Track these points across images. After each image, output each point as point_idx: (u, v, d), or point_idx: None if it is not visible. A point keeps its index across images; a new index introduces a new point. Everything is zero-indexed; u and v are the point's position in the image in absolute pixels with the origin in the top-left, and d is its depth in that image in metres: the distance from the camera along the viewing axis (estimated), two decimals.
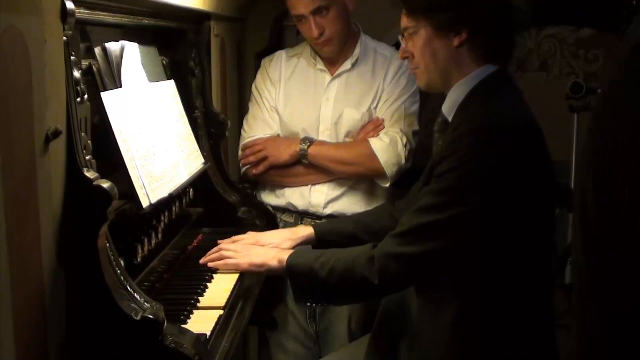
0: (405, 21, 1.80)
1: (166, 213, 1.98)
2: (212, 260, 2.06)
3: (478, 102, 1.74)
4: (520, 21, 1.76)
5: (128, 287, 1.49)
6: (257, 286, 2.12)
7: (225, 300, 1.87)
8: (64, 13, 1.38)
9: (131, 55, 1.96)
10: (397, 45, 2.80)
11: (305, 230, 2.19)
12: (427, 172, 1.77)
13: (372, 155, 2.52)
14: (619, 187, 1.03)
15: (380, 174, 2.54)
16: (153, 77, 2.11)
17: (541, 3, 1.77)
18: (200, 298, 1.87)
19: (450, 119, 1.80)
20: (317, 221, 2.62)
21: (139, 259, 1.75)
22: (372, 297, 2.00)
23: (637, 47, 1.09)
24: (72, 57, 1.45)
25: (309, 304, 1.90)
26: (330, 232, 2.17)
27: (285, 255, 1.91)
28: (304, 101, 2.64)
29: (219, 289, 1.95)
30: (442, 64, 1.77)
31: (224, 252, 2.06)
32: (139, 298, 1.48)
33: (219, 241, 2.15)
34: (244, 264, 2.00)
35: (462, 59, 1.76)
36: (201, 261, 2.07)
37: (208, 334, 1.64)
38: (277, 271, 1.95)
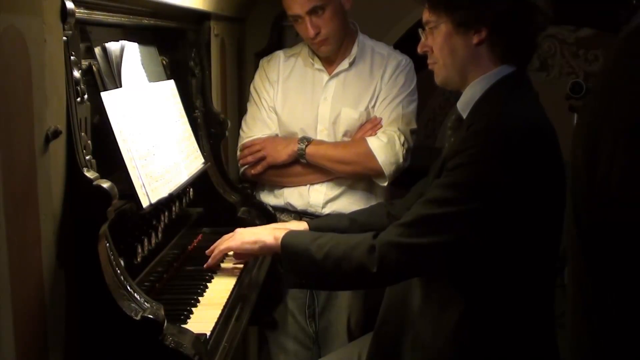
0: (427, 15, 1.80)
1: (166, 213, 1.98)
2: (211, 258, 2.05)
3: (494, 101, 1.74)
4: (541, 24, 1.76)
5: (128, 287, 1.48)
6: (257, 286, 2.12)
7: (225, 300, 1.87)
8: (64, 13, 1.38)
9: (131, 55, 1.96)
10: (396, 45, 2.81)
11: (299, 226, 2.16)
12: (439, 165, 1.77)
13: (370, 155, 2.52)
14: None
15: (379, 173, 2.54)
16: (153, 77, 2.11)
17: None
18: (200, 298, 1.87)
19: (465, 117, 1.80)
20: None
21: (139, 259, 1.76)
22: (367, 286, 1.98)
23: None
24: (72, 57, 1.45)
25: (300, 285, 1.87)
26: (325, 229, 2.16)
27: (281, 233, 1.89)
28: (302, 101, 2.64)
29: (219, 289, 1.95)
30: (460, 61, 1.77)
31: (217, 243, 2.05)
32: (139, 298, 1.48)
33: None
34: (236, 243, 1.98)
35: (480, 57, 1.76)
36: (205, 266, 2.07)
37: (208, 334, 1.64)
38: (271, 248, 1.92)
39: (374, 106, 2.62)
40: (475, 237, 1.66)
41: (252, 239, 1.97)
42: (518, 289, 1.74)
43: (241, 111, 2.92)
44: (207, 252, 2.06)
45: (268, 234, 1.94)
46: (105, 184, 1.42)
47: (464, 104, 1.81)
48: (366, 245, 1.74)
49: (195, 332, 1.54)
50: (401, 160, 2.54)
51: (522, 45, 1.77)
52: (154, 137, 1.92)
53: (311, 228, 2.15)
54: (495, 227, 1.66)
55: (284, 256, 1.86)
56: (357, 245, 1.76)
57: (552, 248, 1.78)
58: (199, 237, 2.35)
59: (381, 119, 2.59)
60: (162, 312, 1.46)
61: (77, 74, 1.48)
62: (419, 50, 1.87)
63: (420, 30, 1.85)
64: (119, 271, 1.49)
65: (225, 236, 2.07)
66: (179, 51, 2.42)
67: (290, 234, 1.90)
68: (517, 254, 1.70)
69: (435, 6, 1.77)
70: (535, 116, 1.74)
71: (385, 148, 2.52)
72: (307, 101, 2.64)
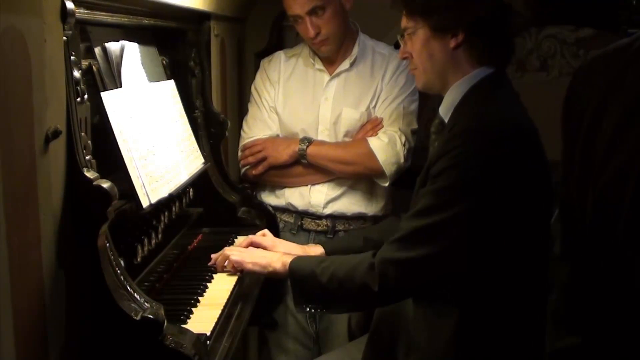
0: (404, 22, 1.82)
1: (166, 213, 1.98)
2: (215, 262, 2.06)
3: (473, 103, 1.75)
4: (519, 24, 1.77)
5: (128, 287, 1.48)
6: (257, 286, 2.12)
7: (225, 300, 1.87)
8: (64, 13, 1.38)
9: (131, 55, 1.96)
10: (396, 45, 2.80)
11: (315, 250, 2.17)
12: (424, 173, 1.77)
13: (371, 155, 2.52)
14: None
15: (379, 173, 2.54)
16: (153, 77, 2.11)
17: (541, 3, 1.77)
18: (200, 298, 1.87)
19: (446, 121, 1.80)
20: (318, 221, 2.63)
21: (139, 259, 1.76)
22: (372, 306, 1.98)
23: None
24: (72, 57, 1.45)
25: (308, 310, 1.89)
26: (340, 250, 2.14)
27: (289, 259, 1.90)
28: (302, 101, 2.64)
29: (219, 289, 1.95)
30: (439, 65, 1.78)
31: (227, 252, 2.06)
32: (139, 298, 1.48)
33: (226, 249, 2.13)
34: (248, 263, 1.99)
35: (458, 60, 1.77)
36: (210, 263, 2.07)
37: (208, 334, 1.64)
38: (280, 274, 1.94)
39: (374, 106, 2.62)
40: (468, 241, 1.66)
41: (263, 262, 1.97)
42: (512, 291, 1.73)
43: (241, 111, 2.92)
44: (215, 258, 2.07)
45: (276, 261, 1.94)
46: (105, 184, 1.42)
47: (446, 108, 1.82)
48: (366, 264, 1.74)
49: (195, 332, 1.54)
50: (402, 160, 2.54)
51: (499, 47, 1.78)
52: (154, 137, 1.92)
53: (326, 250, 2.16)
54: (485, 229, 1.66)
55: (292, 281, 1.87)
56: (358, 265, 1.76)
57: (543, 248, 1.78)
58: (199, 237, 2.35)
59: (382, 119, 2.59)
60: (162, 312, 1.46)
61: (77, 74, 1.48)
62: (400, 56, 1.90)
63: (399, 37, 1.87)
64: (119, 271, 1.49)
65: (237, 250, 2.07)
66: (179, 51, 2.42)
67: (297, 259, 1.91)
68: (508, 255, 1.70)
69: (412, 12, 1.79)
70: (515, 116, 1.74)
71: (386, 148, 2.52)
72: (308, 101, 2.64)
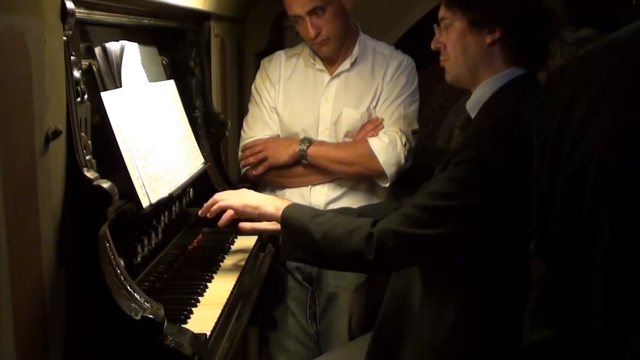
0: (442, 11, 1.81)
1: (166, 213, 1.98)
2: (207, 209, 2.05)
3: (502, 102, 1.75)
4: (555, 29, 1.77)
5: (128, 287, 1.48)
6: (257, 286, 2.13)
7: (225, 300, 1.87)
8: (64, 13, 1.38)
9: (131, 55, 1.96)
10: (397, 45, 2.81)
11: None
12: (446, 160, 1.78)
13: (372, 155, 2.52)
14: None
15: (380, 173, 2.54)
16: (153, 77, 2.11)
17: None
18: (200, 298, 1.86)
19: (473, 117, 1.81)
20: None
21: (139, 259, 1.76)
22: (362, 271, 1.98)
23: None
24: (72, 57, 1.45)
25: (295, 257, 1.88)
26: None
27: (283, 204, 1.90)
28: (303, 101, 2.64)
29: (219, 289, 1.94)
30: (472, 60, 1.78)
31: (217, 197, 2.06)
32: (139, 298, 1.48)
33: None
34: (239, 204, 1.99)
35: (492, 58, 1.77)
36: (199, 213, 2.07)
37: (208, 334, 1.64)
38: (270, 216, 1.93)
39: (375, 106, 2.61)
40: (474, 232, 1.67)
41: (254, 203, 1.97)
42: (517, 286, 1.73)
43: (241, 111, 2.92)
44: (206, 204, 2.06)
45: (270, 203, 1.95)
46: (105, 184, 1.42)
47: (473, 104, 1.81)
48: (364, 232, 1.75)
49: (195, 332, 1.54)
50: (403, 160, 2.54)
51: (534, 48, 1.78)
52: (154, 137, 1.92)
53: None
54: (495, 225, 1.67)
55: (283, 227, 1.87)
56: (355, 231, 1.76)
57: None
58: (199, 237, 2.35)
59: (382, 119, 2.59)
60: (162, 312, 1.46)
61: (77, 74, 1.48)
62: (433, 46, 1.87)
63: (435, 26, 1.85)
64: (119, 271, 1.49)
65: (228, 192, 2.07)
66: (179, 51, 2.42)
67: (292, 206, 1.91)
68: (516, 252, 1.70)
69: (451, 3, 1.78)
70: None
71: (386, 149, 2.52)
72: (308, 102, 2.63)
